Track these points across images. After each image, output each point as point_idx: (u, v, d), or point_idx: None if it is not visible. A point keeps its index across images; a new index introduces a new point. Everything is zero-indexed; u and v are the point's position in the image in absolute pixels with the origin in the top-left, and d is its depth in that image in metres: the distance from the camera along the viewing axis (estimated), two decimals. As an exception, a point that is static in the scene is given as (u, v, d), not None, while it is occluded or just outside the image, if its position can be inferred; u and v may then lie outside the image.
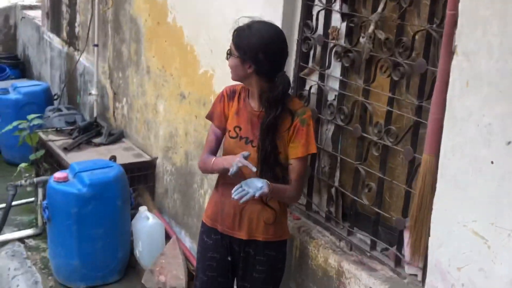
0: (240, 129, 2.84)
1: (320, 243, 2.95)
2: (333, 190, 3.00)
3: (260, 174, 2.73)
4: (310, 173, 3.12)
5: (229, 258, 2.94)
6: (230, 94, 2.90)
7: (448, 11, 2.18)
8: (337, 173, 3.00)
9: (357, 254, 2.83)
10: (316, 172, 3.12)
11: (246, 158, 2.69)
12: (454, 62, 2.14)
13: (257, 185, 2.64)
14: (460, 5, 2.11)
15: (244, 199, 2.61)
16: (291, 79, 3.17)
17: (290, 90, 2.84)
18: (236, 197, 2.61)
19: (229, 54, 2.77)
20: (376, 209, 2.73)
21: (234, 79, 2.81)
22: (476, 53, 2.06)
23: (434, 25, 2.39)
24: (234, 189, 2.64)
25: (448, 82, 2.18)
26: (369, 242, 2.80)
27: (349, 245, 2.89)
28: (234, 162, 2.68)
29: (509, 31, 1.93)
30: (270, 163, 2.76)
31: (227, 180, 2.82)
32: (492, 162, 2.02)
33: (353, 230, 2.91)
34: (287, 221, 2.98)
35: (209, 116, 2.97)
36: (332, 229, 3.00)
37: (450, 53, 2.17)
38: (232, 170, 2.66)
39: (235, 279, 3.02)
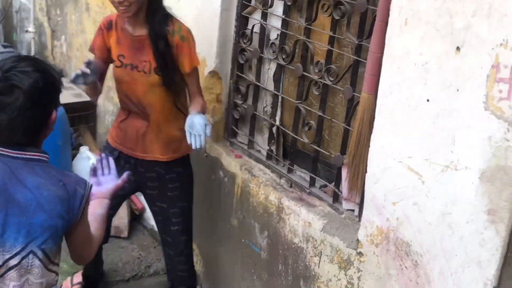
0: (124, 57, 2.86)
1: (261, 181, 3.00)
2: (274, 128, 3.03)
3: (167, 94, 2.86)
4: (252, 112, 3.14)
5: (132, 178, 2.84)
6: (107, 25, 2.90)
7: (388, -51, 2.18)
8: (278, 112, 3.03)
9: (297, 191, 2.89)
10: (258, 112, 3.14)
11: (89, 64, 2.72)
12: (393, 1, 2.16)
13: (201, 123, 2.73)
14: None
15: (202, 144, 2.73)
16: (234, 17, 3.15)
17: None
18: (198, 147, 2.72)
19: None
20: (316, 147, 2.78)
21: (131, 13, 2.71)
22: (415, -8, 2.08)
23: (375, -37, 2.40)
24: (189, 141, 2.72)
25: (388, 21, 2.20)
26: (308, 179, 2.86)
27: (289, 182, 2.94)
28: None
29: (448, -30, 1.96)
30: (172, 83, 2.85)
31: (126, 105, 2.95)
32: (427, 100, 2.07)
33: (293, 168, 2.96)
34: None
35: (91, 49, 2.99)
36: (272, 167, 3.04)
37: (390, -8, 2.18)
38: (71, 78, 2.75)
39: (148, 202, 3.14)
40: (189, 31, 2.84)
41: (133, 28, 2.83)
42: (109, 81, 4.28)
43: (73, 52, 4.83)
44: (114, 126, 3.10)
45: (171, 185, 3.03)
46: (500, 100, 1.85)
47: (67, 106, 4.19)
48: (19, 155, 1.92)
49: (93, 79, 2.79)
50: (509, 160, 1.84)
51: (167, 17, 2.81)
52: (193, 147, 2.73)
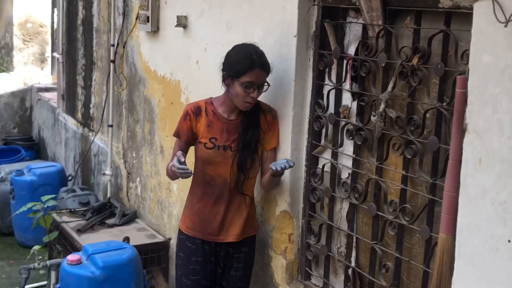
0: (216, 139, 3.14)
1: (337, 326, 2.88)
2: (349, 270, 2.95)
3: (238, 175, 3.16)
4: (326, 252, 3.08)
5: (213, 259, 3.23)
6: (195, 111, 3.20)
7: (457, 89, 2.19)
8: (353, 253, 2.96)
9: (376, 336, 2.75)
10: (332, 252, 3.07)
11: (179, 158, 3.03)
12: (466, 140, 2.13)
13: (283, 161, 3.03)
14: (469, 84, 2.12)
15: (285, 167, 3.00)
16: (304, 157, 3.19)
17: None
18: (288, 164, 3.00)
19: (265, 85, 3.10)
20: (394, 290, 2.67)
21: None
22: (487, 131, 2.06)
23: (444, 104, 2.40)
24: (274, 168, 3.00)
25: (461, 160, 2.16)
26: (388, 324, 2.73)
27: (367, 327, 2.81)
28: (174, 173, 3.07)
29: (520, 109, 1.94)
30: (245, 165, 3.16)
31: (205, 190, 3.19)
32: (509, 241, 1.98)
33: (371, 311, 2.84)
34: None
35: (177, 134, 3.27)
36: (349, 310, 2.93)
37: (462, 131, 2.16)
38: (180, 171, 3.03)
39: (214, 281, 3.26)
40: (275, 110, 3.22)
41: (228, 114, 3.17)
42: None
43: (147, 194, 4.95)
44: (187, 213, 3.29)
45: (236, 265, 3.22)
46: None
47: (140, 248, 4.24)
48: None
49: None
50: None
51: (260, 108, 3.19)
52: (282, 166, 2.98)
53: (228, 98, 3.14)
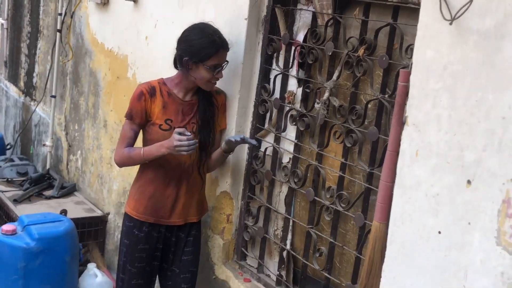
0: (172, 121, 3.06)
1: (270, 307, 2.93)
2: (284, 253, 3.00)
3: (200, 155, 3.11)
4: (263, 234, 3.12)
5: (160, 246, 3.18)
6: (150, 91, 3.08)
7: (399, 82, 2.24)
8: (289, 236, 3.01)
9: (307, 318, 2.81)
10: (269, 235, 3.12)
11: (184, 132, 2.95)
12: (404, 132, 2.19)
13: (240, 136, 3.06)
14: (411, 78, 2.17)
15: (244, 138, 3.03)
16: (247, 139, 3.21)
17: None
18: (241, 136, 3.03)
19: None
20: (326, 274, 2.73)
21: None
22: (426, 124, 2.11)
23: (386, 95, 2.46)
24: (233, 139, 3.04)
25: (399, 151, 2.22)
26: (318, 307, 2.80)
27: (298, 309, 2.88)
28: (174, 144, 2.91)
29: (458, 105, 2.00)
30: (207, 144, 3.14)
31: (158, 173, 3.10)
32: (439, 232, 2.06)
33: (303, 294, 2.90)
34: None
35: (129, 116, 3.11)
36: (282, 292, 2.99)
37: (401, 123, 2.22)
38: (182, 149, 2.91)
39: (165, 265, 3.23)
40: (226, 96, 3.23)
41: (183, 94, 3.10)
42: (121, 197, 4.31)
43: (88, 167, 4.90)
44: (138, 198, 3.17)
45: (187, 249, 3.19)
46: (513, 236, 1.83)
47: (77, 221, 4.20)
48: None
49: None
50: (523, 298, 1.80)
51: (214, 90, 3.17)
52: (239, 137, 3.01)
53: (184, 79, 3.06)
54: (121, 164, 3.17)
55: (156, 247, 3.17)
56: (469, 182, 1.96)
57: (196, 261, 3.23)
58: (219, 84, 3.20)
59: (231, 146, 3.08)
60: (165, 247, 3.20)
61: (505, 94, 1.85)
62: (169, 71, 3.21)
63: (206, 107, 3.11)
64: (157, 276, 3.27)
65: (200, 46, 2.95)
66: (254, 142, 3.05)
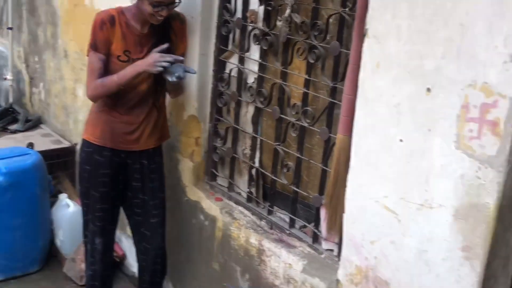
0: (130, 52, 3.02)
1: (242, 223, 3.01)
2: (253, 171, 3.06)
3: (155, 86, 3.08)
4: (231, 154, 3.17)
5: (123, 171, 3.18)
6: (110, 20, 2.99)
7: (359, -5, 2.26)
8: (257, 154, 3.07)
9: (277, 232, 2.90)
10: (238, 154, 3.17)
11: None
12: (365, 45, 2.22)
13: (180, 68, 2.93)
14: (370, -11, 2.19)
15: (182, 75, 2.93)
16: (211, 62, 3.21)
17: None
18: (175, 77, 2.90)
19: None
20: (294, 188, 2.81)
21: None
22: (386, 36, 2.14)
23: (347, 9, 2.47)
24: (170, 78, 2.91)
25: (360, 64, 2.26)
26: (288, 220, 2.88)
27: (269, 224, 2.96)
28: (155, 60, 2.87)
29: (417, 14, 2.02)
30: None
31: (116, 102, 3.07)
32: (401, 140, 2.12)
33: (273, 209, 2.98)
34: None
35: (94, 46, 3.01)
36: (253, 209, 3.06)
37: (362, 36, 2.24)
38: (160, 64, 2.87)
39: (132, 195, 3.24)
40: (183, 15, 3.14)
41: (141, 26, 3.03)
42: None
43: (52, 99, 4.85)
44: (95, 124, 3.16)
45: (153, 175, 3.20)
46: (471, 139, 1.90)
47: (45, 153, 4.20)
48: None
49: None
50: (481, 197, 1.89)
51: (172, 17, 3.07)
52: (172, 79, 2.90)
53: (139, 11, 2.99)
54: (95, 96, 3.08)
55: (119, 171, 3.18)
56: (428, 90, 2.01)
57: (163, 186, 3.25)
58: (178, 7, 3.17)
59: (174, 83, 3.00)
60: (129, 174, 3.20)
61: (462, 0, 1.88)
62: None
63: (159, 40, 3.02)
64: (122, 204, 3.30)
65: None
66: (193, 71, 3.00)
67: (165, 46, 2.91)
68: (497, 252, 1.93)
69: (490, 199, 1.87)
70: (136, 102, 3.09)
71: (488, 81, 1.83)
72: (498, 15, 1.79)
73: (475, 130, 1.89)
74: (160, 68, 2.87)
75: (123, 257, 3.99)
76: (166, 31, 3.08)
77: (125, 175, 3.20)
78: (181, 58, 2.96)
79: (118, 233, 3.51)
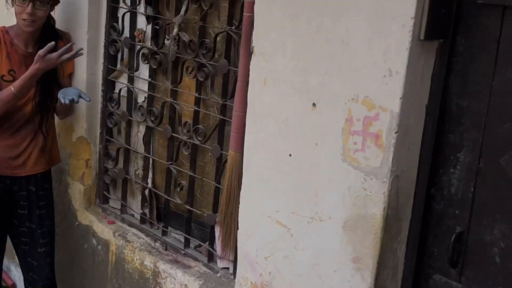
0: (15, 72, 2.90)
1: (135, 246, 2.95)
2: (146, 191, 3.01)
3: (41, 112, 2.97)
4: (123, 175, 3.11)
5: (7, 198, 3.03)
6: None
7: (245, 13, 2.28)
8: (150, 174, 3.02)
9: (172, 253, 2.87)
10: (130, 175, 3.11)
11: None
12: (252, 62, 2.24)
13: (75, 91, 2.91)
14: (255, 8, 2.21)
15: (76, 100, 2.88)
16: (100, 82, 3.14)
17: None
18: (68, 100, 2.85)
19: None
20: (188, 207, 2.78)
21: (34, 28, 2.86)
22: (272, 53, 2.17)
23: (233, 27, 2.49)
24: (63, 101, 2.84)
25: (248, 81, 2.27)
26: (183, 240, 2.85)
27: (164, 245, 2.92)
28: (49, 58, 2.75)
29: (301, 32, 2.06)
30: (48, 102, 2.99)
31: (1, 124, 2.92)
32: (290, 155, 2.15)
33: (168, 229, 2.94)
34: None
35: None
36: (147, 230, 3.01)
37: (249, 53, 2.26)
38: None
39: (19, 223, 3.09)
40: (69, 34, 3.08)
41: (25, 45, 2.93)
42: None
43: None
44: None
45: (41, 203, 3.08)
46: (356, 152, 1.95)
47: None
48: None
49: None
50: (368, 208, 1.94)
51: (59, 37, 2.98)
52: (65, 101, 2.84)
53: (20, 28, 2.88)
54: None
55: (4, 198, 3.02)
56: (314, 105, 2.06)
57: (51, 213, 3.14)
58: (64, 26, 3.09)
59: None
60: (15, 201, 3.06)
61: (342, 17, 1.94)
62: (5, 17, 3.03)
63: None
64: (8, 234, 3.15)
65: None
66: (87, 98, 2.94)
67: (51, 44, 2.75)
68: (386, 262, 1.99)
69: (377, 210, 1.92)
70: (21, 124, 2.96)
71: (369, 95, 1.89)
72: (376, 31, 1.85)
73: (359, 142, 1.94)
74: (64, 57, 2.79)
75: (12, 287, 3.81)
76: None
77: (11, 202, 3.05)
78: (74, 44, 2.92)
79: (6, 262, 3.35)
